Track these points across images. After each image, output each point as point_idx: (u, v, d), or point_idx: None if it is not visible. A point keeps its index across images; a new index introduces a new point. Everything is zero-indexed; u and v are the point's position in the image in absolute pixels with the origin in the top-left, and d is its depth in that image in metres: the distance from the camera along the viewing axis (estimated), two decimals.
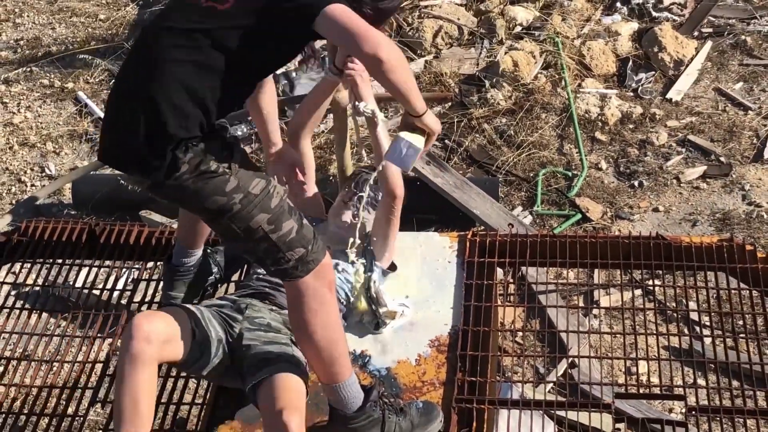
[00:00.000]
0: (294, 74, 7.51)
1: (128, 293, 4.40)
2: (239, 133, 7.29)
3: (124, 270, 4.53)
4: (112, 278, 4.46)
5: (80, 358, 4.04)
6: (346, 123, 4.32)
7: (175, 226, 6.15)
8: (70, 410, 3.90)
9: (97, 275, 4.45)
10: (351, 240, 3.70)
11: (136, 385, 3.17)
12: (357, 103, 3.87)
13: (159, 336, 3.22)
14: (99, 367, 4.03)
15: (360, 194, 4.07)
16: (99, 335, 4.14)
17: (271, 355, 3.46)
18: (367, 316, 3.97)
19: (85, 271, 4.45)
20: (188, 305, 3.55)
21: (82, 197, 6.82)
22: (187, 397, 4.06)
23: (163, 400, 3.83)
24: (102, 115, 7.65)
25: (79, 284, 4.45)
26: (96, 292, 4.50)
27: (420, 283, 4.16)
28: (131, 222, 4.62)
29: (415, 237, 4.36)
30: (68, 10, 9.08)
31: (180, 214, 3.94)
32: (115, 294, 4.54)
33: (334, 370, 3.37)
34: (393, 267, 4.13)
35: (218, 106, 3.09)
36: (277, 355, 3.47)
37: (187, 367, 3.49)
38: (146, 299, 4.29)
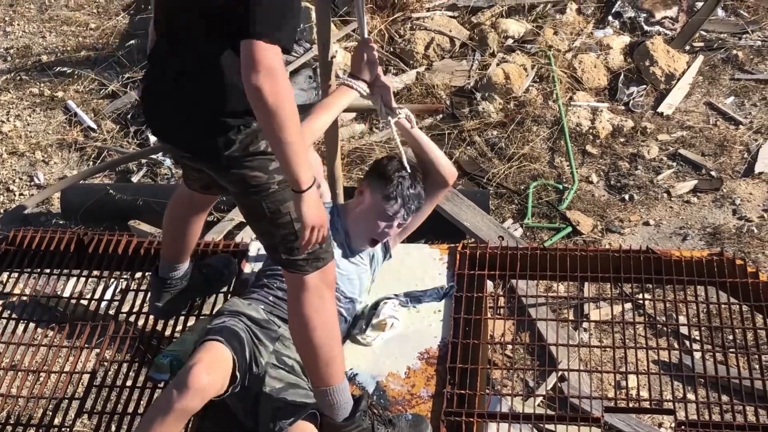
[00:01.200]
0: None
1: (116, 303, 4.39)
2: None
3: (112, 280, 4.52)
4: (100, 288, 4.44)
5: (67, 368, 4.02)
6: (337, 132, 4.32)
7: None
8: (56, 421, 3.89)
9: (85, 285, 4.43)
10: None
11: None
12: (395, 106, 3.94)
13: (215, 390, 3.27)
14: (86, 377, 4.01)
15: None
16: (86, 346, 4.13)
17: (300, 402, 3.50)
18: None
19: (73, 281, 4.44)
20: (230, 326, 3.54)
21: (70, 207, 6.81)
22: None
23: None
24: (92, 124, 7.64)
25: (67, 294, 4.43)
26: (84, 302, 4.48)
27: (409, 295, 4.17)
28: (120, 232, 4.62)
29: (405, 249, 4.36)
30: (58, 19, 9.07)
31: (164, 230, 3.94)
32: (103, 304, 4.53)
33: (328, 372, 3.38)
34: None
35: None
36: (304, 403, 3.50)
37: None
38: (134, 309, 4.28)
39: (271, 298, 3.79)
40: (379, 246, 4.09)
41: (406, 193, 3.97)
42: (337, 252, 3.95)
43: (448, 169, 4.16)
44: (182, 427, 3.23)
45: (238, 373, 3.39)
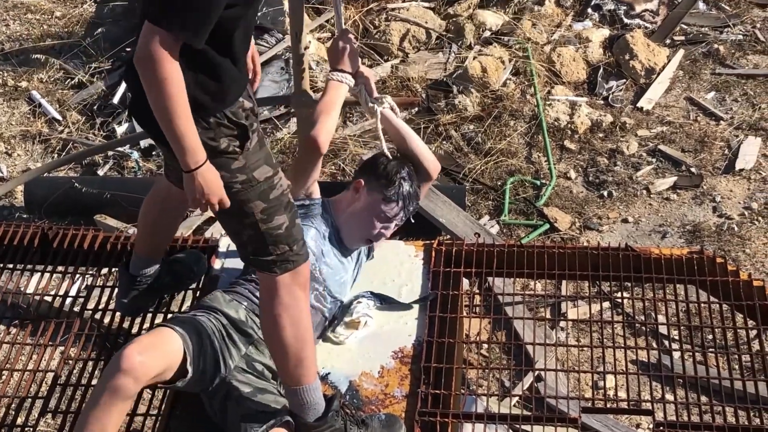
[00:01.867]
0: None
1: (81, 300, 4.37)
2: None
3: (77, 276, 4.50)
4: (64, 284, 4.42)
5: (31, 366, 4.00)
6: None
7: (131, 231, 6.12)
8: (19, 420, 3.87)
9: (49, 281, 4.41)
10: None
11: (107, 417, 3.18)
12: (378, 95, 3.94)
13: (149, 373, 3.23)
14: (50, 376, 3.99)
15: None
16: (50, 343, 4.11)
17: (269, 408, 3.49)
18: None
19: (36, 276, 4.41)
20: (198, 320, 3.52)
21: (34, 200, 6.77)
22: (141, 408, 4.04)
23: None
24: (57, 115, 7.60)
25: (30, 290, 4.41)
26: (48, 298, 4.46)
27: (387, 291, 4.17)
28: (85, 227, 4.59)
29: (379, 245, 4.36)
30: (23, 7, 9.02)
31: (139, 226, 3.93)
32: (68, 301, 4.51)
33: (299, 372, 3.39)
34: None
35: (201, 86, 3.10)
36: (274, 409, 3.49)
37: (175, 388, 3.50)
38: (100, 306, 4.26)
39: (257, 294, 3.76)
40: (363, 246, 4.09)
41: (406, 195, 3.99)
42: (329, 250, 3.95)
43: (432, 161, 4.17)
44: (122, 409, 3.19)
45: (189, 368, 3.36)
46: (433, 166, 4.17)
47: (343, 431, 3.48)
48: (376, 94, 3.93)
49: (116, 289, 4.11)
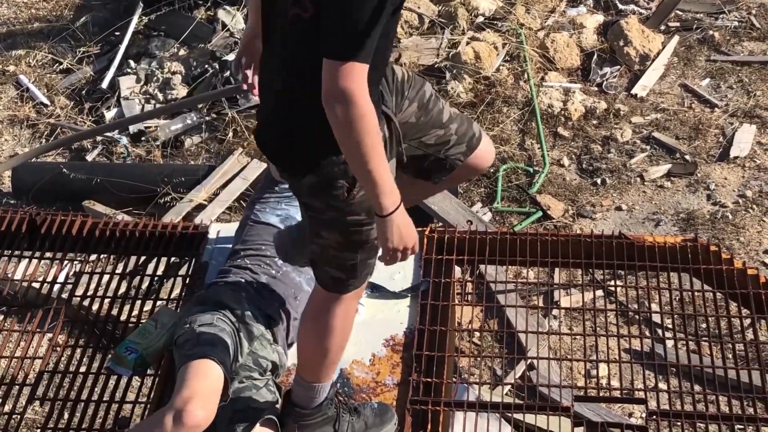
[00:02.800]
0: None
1: (70, 286, 4.36)
2: (189, 121, 7.25)
3: (65, 262, 4.49)
4: (52, 271, 4.41)
5: (18, 353, 4.00)
6: None
7: (119, 217, 6.11)
8: (7, 408, 3.86)
9: (37, 267, 4.40)
10: None
11: None
12: None
13: (210, 418, 3.24)
14: (38, 363, 3.99)
15: None
16: (38, 330, 4.10)
17: (259, 405, 3.49)
18: None
19: (24, 263, 4.40)
20: (227, 337, 3.48)
21: (22, 186, 6.76)
22: (130, 395, 4.04)
23: (105, 398, 3.81)
24: (45, 100, 7.57)
25: (17, 277, 4.40)
26: (36, 285, 4.45)
27: (378, 279, 4.16)
28: (74, 212, 4.58)
29: None
30: None
31: None
32: (56, 287, 4.50)
33: (324, 372, 3.41)
34: None
35: None
36: (263, 405, 3.49)
37: None
38: (88, 293, 4.25)
39: (255, 284, 3.74)
40: None
41: None
42: None
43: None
44: None
45: (230, 392, 3.37)
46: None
47: (335, 419, 3.48)
48: None
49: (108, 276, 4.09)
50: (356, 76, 2.70)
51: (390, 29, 2.88)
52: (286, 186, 3.89)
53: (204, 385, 3.26)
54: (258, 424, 3.41)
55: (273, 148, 3.12)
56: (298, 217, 3.88)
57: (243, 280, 3.73)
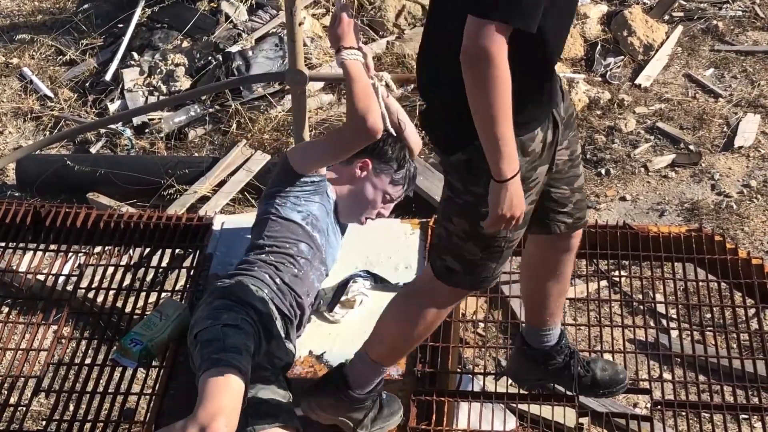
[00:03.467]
0: (250, 53, 7.48)
1: (74, 279, 4.37)
2: (192, 113, 7.26)
3: (70, 254, 4.50)
4: (57, 263, 4.42)
5: (24, 345, 4.01)
6: (304, 103, 4.31)
7: (123, 209, 6.11)
8: (12, 400, 3.87)
9: (41, 259, 4.41)
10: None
11: None
12: (375, 72, 3.89)
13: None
14: (43, 355, 4.00)
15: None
16: (43, 322, 4.11)
17: (274, 406, 3.46)
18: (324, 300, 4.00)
19: (29, 255, 4.41)
20: (250, 341, 3.44)
21: (26, 178, 6.76)
22: (135, 387, 4.05)
23: (110, 390, 3.81)
24: (48, 92, 7.57)
25: (23, 269, 4.41)
26: (41, 277, 4.46)
27: (379, 271, 4.17)
28: (78, 204, 4.59)
29: (373, 223, 4.36)
30: None
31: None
32: (61, 279, 4.51)
33: (391, 356, 3.41)
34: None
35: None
36: (280, 407, 3.47)
37: None
38: (93, 285, 4.26)
39: (278, 281, 3.71)
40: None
41: (411, 178, 4.04)
42: (330, 226, 3.95)
43: (417, 141, 4.17)
44: None
45: (246, 398, 3.35)
46: (418, 145, 4.18)
47: (370, 408, 3.48)
48: (373, 71, 3.90)
49: (113, 268, 4.08)
50: (498, 37, 2.66)
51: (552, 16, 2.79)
52: (308, 179, 3.87)
53: (229, 399, 3.21)
54: (278, 426, 3.39)
55: (428, 122, 3.10)
56: (319, 215, 3.88)
57: (267, 275, 3.71)
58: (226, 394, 3.22)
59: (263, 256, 3.76)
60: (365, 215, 4.03)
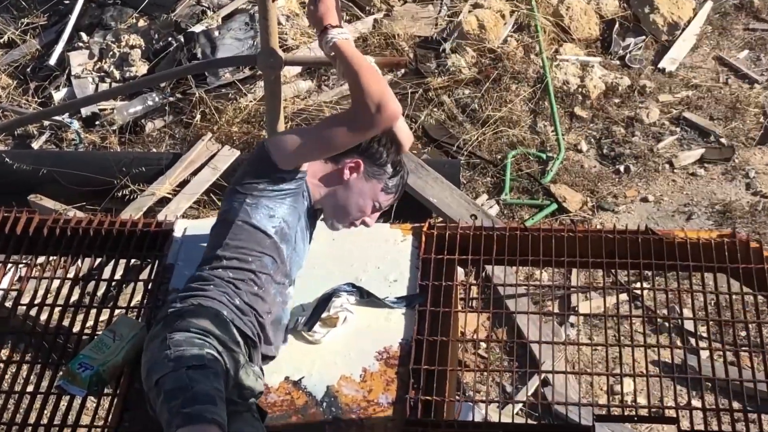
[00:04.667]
0: (216, 33, 7.48)
1: (14, 294, 4.36)
2: (150, 102, 7.26)
3: (9, 266, 4.49)
4: None
5: None
6: (279, 90, 4.31)
7: (71, 213, 6.10)
8: None
9: None
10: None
11: None
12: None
13: None
14: None
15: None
16: None
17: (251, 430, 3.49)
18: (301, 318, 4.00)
19: None
20: (220, 384, 3.44)
21: None
22: (85, 419, 4.04)
23: (55, 422, 3.80)
24: None
25: None
26: None
27: (366, 283, 4.17)
28: (18, 208, 4.57)
29: (360, 229, 4.36)
30: None
31: None
32: None
33: None
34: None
35: None
36: (251, 429, 3.50)
37: None
38: (35, 301, 4.25)
39: (237, 301, 3.71)
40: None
41: (404, 185, 4.05)
42: (299, 233, 3.93)
43: (408, 135, 4.14)
44: None
45: None
46: (409, 139, 4.14)
47: None
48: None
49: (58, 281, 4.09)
50: None
51: None
52: (287, 175, 3.82)
53: None
54: None
55: None
56: (290, 221, 3.86)
57: (225, 296, 3.70)
58: None
59: (220, 271, 3.74)
60: (351, 221, 4.02)
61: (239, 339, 3.62)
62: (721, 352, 3.99)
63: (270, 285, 3.79)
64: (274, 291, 3.81)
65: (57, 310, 4.20)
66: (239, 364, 3.57)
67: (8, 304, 4.37)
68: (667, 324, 5.57)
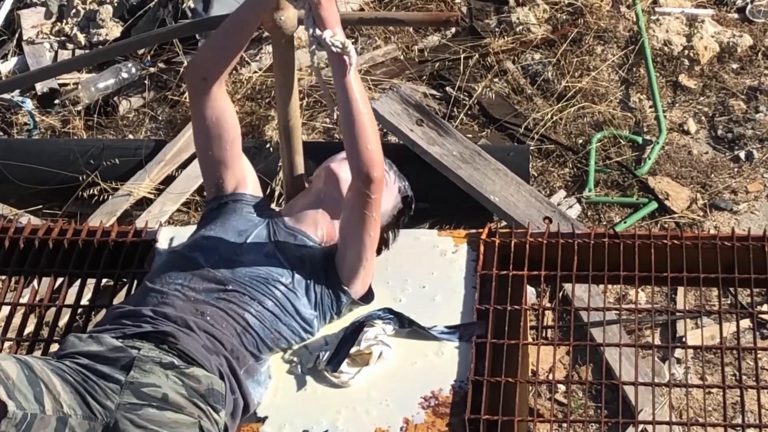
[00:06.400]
0: None
1: None
2: (124, 75, 7.31)
3: None
4: None
5: None
6: (292, 58, 4.31)
7: (23, 220, 6.14)
8: None
9: None
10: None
11: None
12: (319, 32, 3.82)
13: None
14: None
15: None
16: None
17: None
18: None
19: None
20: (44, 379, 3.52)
21: None
22: None
23: None
24: None
25: None
26: None
27: (408, 308, 4.18)
28: None
29: (401, 237, 4.38)
30: None
31: None
32: None
33: None
34: (369, 297, 4.16)
35: None
36: None
37: None
38: None
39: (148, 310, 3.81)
40: None
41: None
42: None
43: (365, 161, 3.91)
44: None
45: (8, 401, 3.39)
46: (362, 167, 3.93)
47: None
48: (329, 30, 3.82)
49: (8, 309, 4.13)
50: None
51: None
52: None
53: None
54: None
55: None
56: (262, 239, 3.96)
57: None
58: None
59: (139, 310, 3.88)
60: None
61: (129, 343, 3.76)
62: None
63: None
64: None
65: (7, 345, 4.24)
66: (127, 361, 3.68)
67: None
68: None
